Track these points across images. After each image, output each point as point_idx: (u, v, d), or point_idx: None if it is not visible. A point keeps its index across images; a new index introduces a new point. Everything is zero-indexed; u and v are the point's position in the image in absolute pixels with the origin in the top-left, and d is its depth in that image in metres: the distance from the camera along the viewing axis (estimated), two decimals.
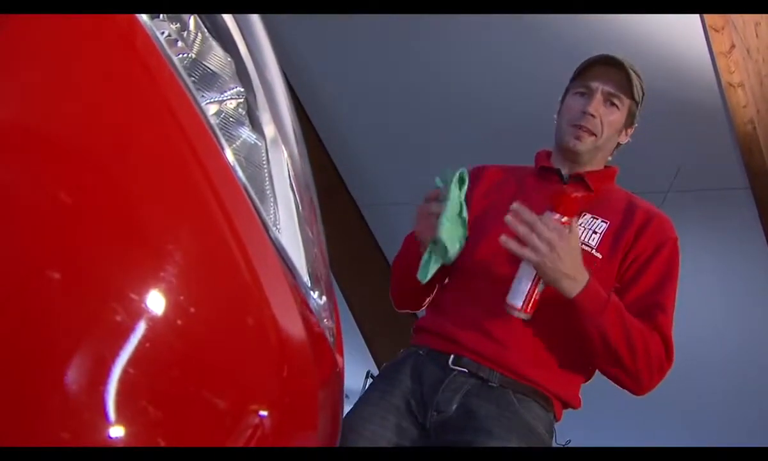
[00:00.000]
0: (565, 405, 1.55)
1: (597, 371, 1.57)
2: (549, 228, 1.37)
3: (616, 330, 1.42)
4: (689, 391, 4.24)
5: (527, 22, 3.13)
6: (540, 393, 1.49)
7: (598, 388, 1.63)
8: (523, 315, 1.42)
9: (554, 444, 1.54)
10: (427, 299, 1.70)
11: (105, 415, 0.42)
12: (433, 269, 1.51)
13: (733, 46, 2.82)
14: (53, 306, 0.42)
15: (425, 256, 1.52)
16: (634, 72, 1.58)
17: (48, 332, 0.42)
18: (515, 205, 1.41)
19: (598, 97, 1.56)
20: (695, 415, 4.55)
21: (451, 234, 1.48)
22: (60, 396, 0.42)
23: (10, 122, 0.46)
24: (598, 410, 2.24)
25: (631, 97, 1.58)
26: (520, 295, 1.41)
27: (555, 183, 1.61)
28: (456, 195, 1.47)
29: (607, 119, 1.57)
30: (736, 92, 2.97)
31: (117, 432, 0.43)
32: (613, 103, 1.57)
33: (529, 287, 1.41)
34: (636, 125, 1.64)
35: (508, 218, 1.39)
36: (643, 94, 1.61)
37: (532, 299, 1.41)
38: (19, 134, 0.46)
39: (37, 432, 0.41)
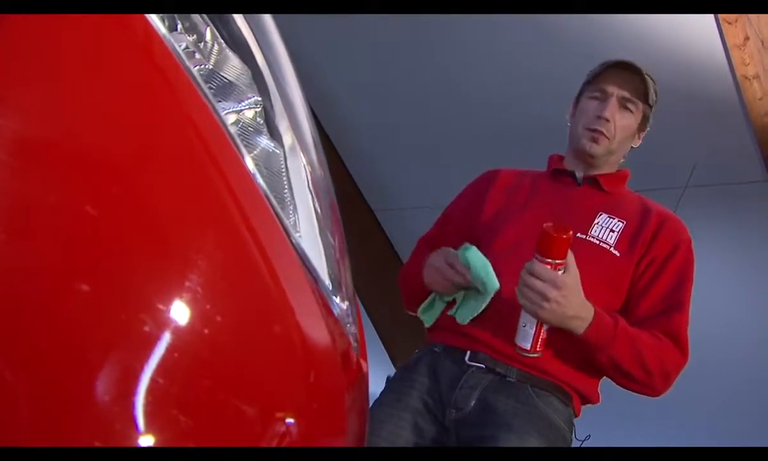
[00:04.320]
0: (584, 400, 1.55)
1: None
2: (541, 279, 1.33)
3: (627, 356, 1.44)
4: (713, 390, 4.19)
5: (542, 22, 3.12)
6: (559, 387, 1.48)
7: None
8: (534, 355, 1.43)
9: (574, 440, 1.54)
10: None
11: (136, 425, 0.43)
12: (437, 313, 1.58)
13: (747, 38, 2.80)
14: (83, 318, 0.43)
15: (429, 300, 1.60)
16: (650, 77, 1.58)
17: (78, 344, 0.42)
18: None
19: (614, 101, 1.57)
20: (719, 415, 4.49)
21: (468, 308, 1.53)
22: (91, 408, 0.42)
23: (32, 136, 0.46)
24: (618, 406, 2.22)
25: (646, 102, 1.58)
26: (527, 338, 1.42)
27: (569, 186, 1.62)
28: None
29: (621, 124, 1.58)
30: (751, 85, 2.95)
31: (148, 441, 0.43)
32: (627, 108, 1.58)
33: (534, 330, 1.42)
34: (649, 128, 1.65)
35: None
36: (657, 98, 1.61)
37: (540, 339, 1.42)
38: (41, 147, 0.46)
39: (69, 442, 0.41)
